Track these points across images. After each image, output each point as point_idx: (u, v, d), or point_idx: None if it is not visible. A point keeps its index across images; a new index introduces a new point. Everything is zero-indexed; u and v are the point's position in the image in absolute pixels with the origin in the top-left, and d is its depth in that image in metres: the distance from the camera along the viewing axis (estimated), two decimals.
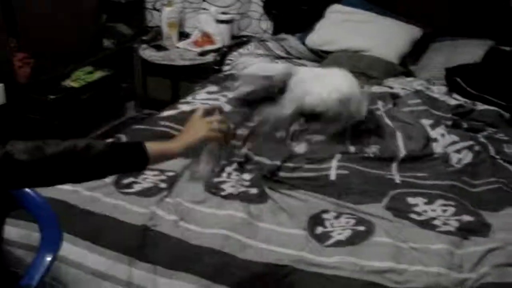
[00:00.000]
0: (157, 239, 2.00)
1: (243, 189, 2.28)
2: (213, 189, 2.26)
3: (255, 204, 2.19)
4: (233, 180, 2.34)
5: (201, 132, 1.59)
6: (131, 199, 2.18)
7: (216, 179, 2.32)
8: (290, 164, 2.49)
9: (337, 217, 2.13)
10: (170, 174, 2.35)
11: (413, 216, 2.13)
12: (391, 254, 1.90)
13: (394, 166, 2.52)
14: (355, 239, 1.98)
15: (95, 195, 2.18)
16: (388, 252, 1.91)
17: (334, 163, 2.50)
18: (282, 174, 2.43)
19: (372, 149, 2.66)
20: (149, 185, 2.28)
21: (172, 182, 2.30)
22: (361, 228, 2.05)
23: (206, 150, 1.69)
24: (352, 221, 2.09)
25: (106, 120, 4.28)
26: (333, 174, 2.42)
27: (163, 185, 2.29)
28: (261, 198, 2.24)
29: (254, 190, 2.28)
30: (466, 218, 2.10)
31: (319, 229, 2.05)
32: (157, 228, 2.03)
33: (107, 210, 2.11)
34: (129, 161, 1.46)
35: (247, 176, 2.40)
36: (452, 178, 2.39)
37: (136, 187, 2.26)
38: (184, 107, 3.03)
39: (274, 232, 2.03)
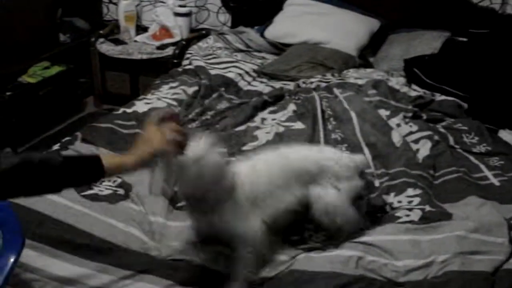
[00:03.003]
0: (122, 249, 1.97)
1: None
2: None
3: None
4: None
5: (157, 145, 1.55)
6: (94, 205, 2.13)
7: None
8: None
9: None
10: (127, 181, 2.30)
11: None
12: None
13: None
14: None
15: (57, 200, 2.10)
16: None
17: None
18: None
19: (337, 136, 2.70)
20: (109, 191, 2.23)
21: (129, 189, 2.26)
22: None
23: (163, 163, 1.62)
24: None
25: (65, 116, 4.23)
26: None
27: (121, 191, 2.25)
28: None
29: None
30: (429, 208, 2.15)
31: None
32: (122, 242, 1.99)
33: (69, 216, 2.06)
34: (85, 175, 1.45)
35: None
36: (418, 168, 2.44)
37: (97, 191, 2.21)
38: (141, 105, 3.00)
39: None
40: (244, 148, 2.58)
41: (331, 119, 2.86)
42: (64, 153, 1.47)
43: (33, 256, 1.88)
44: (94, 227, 2.02)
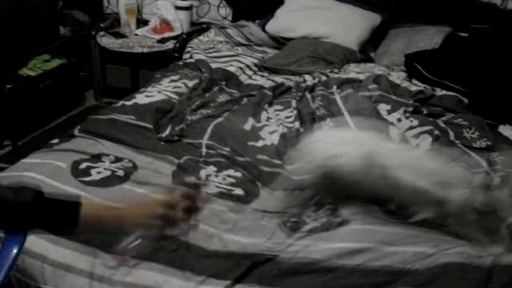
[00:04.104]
0: None
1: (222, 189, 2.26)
2: None
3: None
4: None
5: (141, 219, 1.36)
6: (92, 190, 2.15)
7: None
8: None
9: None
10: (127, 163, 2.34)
11: None
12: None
13: None
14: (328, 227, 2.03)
15: (55, 184, 2.15)
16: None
17: None
18: None
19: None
20: (108, 173, 2.27)
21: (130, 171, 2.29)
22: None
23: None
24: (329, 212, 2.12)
25: (65, 109, 4.23)
26: None
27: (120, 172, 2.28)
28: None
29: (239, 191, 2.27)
30: None
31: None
32: None
33: None
34: (56, 221, 1.33)
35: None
36: None
37: (94, 175, 2.25)
38: (141, 97, 2.99)
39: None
40: (248, 144, 2.59)
41: (327, 118, 2.85)
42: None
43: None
44: None
